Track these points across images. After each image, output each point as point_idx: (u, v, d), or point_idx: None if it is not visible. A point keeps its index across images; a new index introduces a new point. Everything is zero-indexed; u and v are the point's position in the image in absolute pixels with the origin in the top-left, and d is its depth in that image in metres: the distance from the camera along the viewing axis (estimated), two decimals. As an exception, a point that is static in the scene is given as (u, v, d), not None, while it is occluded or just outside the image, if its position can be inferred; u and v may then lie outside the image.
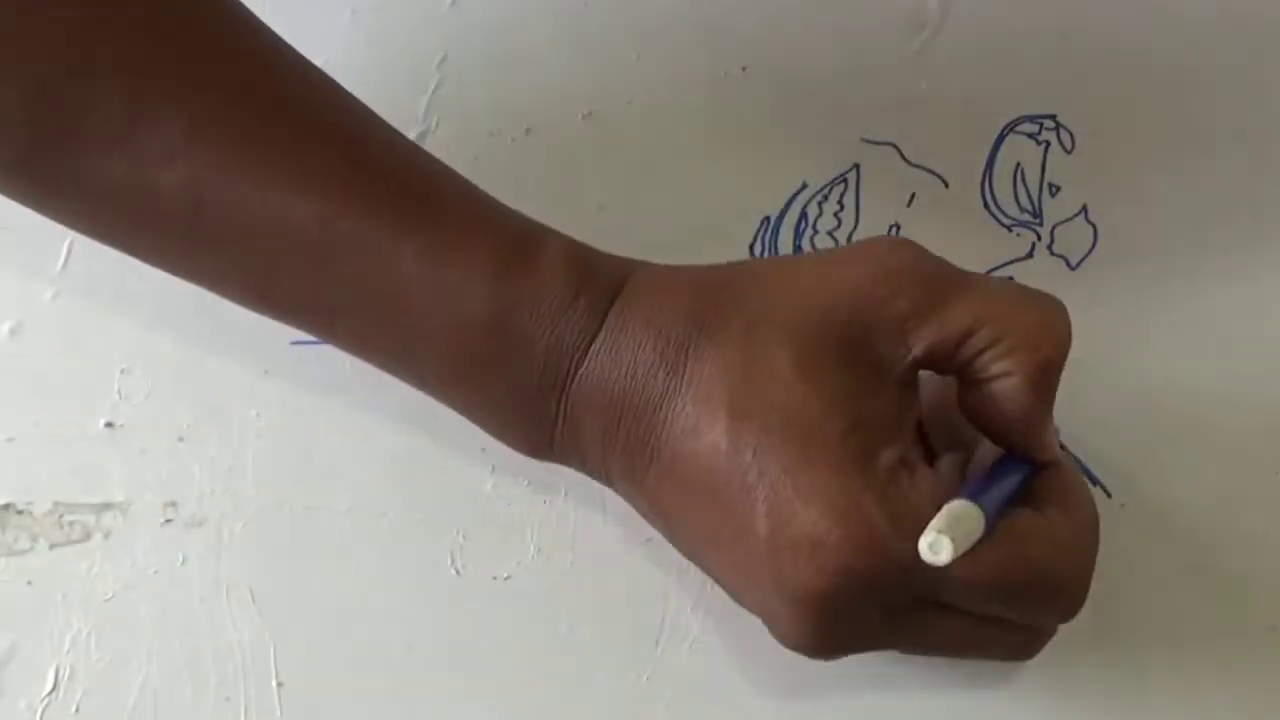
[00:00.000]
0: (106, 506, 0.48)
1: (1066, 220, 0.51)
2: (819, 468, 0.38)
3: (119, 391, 0.49)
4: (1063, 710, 0.46)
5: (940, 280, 0.40)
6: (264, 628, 0.47)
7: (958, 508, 0.37)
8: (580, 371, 0.40)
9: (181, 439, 0.48)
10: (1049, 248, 0.50)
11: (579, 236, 0.50)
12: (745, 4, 0.53)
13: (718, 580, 0.42)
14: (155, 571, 0.47)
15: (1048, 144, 0.51)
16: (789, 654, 0.46)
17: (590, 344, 0.40)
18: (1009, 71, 0.52)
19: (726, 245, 0.50)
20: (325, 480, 0.48)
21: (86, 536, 0.48)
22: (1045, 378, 0.40)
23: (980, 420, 0.41)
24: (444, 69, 0.52)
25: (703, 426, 0.39)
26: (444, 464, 0.48)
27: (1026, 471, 0.42)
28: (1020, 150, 0.51)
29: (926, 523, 0.37)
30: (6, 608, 0.47)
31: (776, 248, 0.50)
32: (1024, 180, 0.51)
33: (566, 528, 0.48)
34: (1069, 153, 0.51)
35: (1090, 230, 0.51)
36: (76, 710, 0.46)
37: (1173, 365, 0.49)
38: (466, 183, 0.42)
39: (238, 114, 0.40)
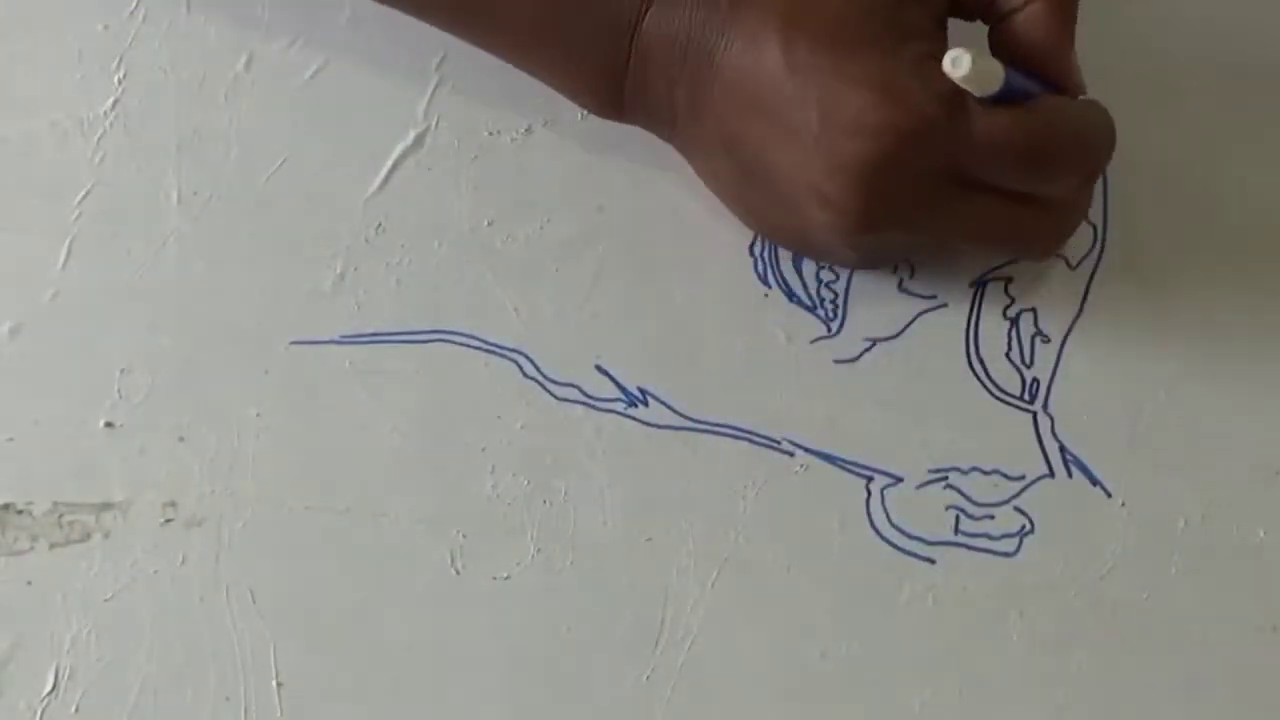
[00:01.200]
0: (106, 506, 0.48)
1: (1066, 220, 0.51)
2: (861, 58, 0.43)
3: (119, 391, 0.49)
4: (1064, 710, 0.46)
5: None
6: (264, 628, 0.47)
7: (981, 54, 0.42)
8: (648, 15, 0.44)
9: (181, 439, 0.49)
10: (1049, 248, 0.50)
11: (578, 236, 0.50)
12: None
13: (772, 189, 0.45)
14: (155, 571, 0.47)
15: (1048, 144, 0.51)
16: (790, 654, 0.47)
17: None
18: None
19: (726, 246, 0.50)
20: (325, 480, 0.48)
21: (86, 536, 0.48)
22: (1062, 2, 0.45)
23: (1011, 58, 0.45)
24: (444, 69, 0.52)
25: (760, 43, 0.43)
26: (444, 464, 0.48)
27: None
28: (1020, 150, 0.51)
29: (953, 89, 0.42)
30: (6, 608, 0.47)
31: (776, 248, 0.50)
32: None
33: (566, 528, 0.48)
34: (1069, 153, 0.51)
35: (1090, 230, 0.51)
36: (76, 710, 0.46)
37: (1172, 364, 0.49)
38: None
39: None
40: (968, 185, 0.44)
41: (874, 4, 0.44)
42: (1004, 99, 0.43)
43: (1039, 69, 0.45)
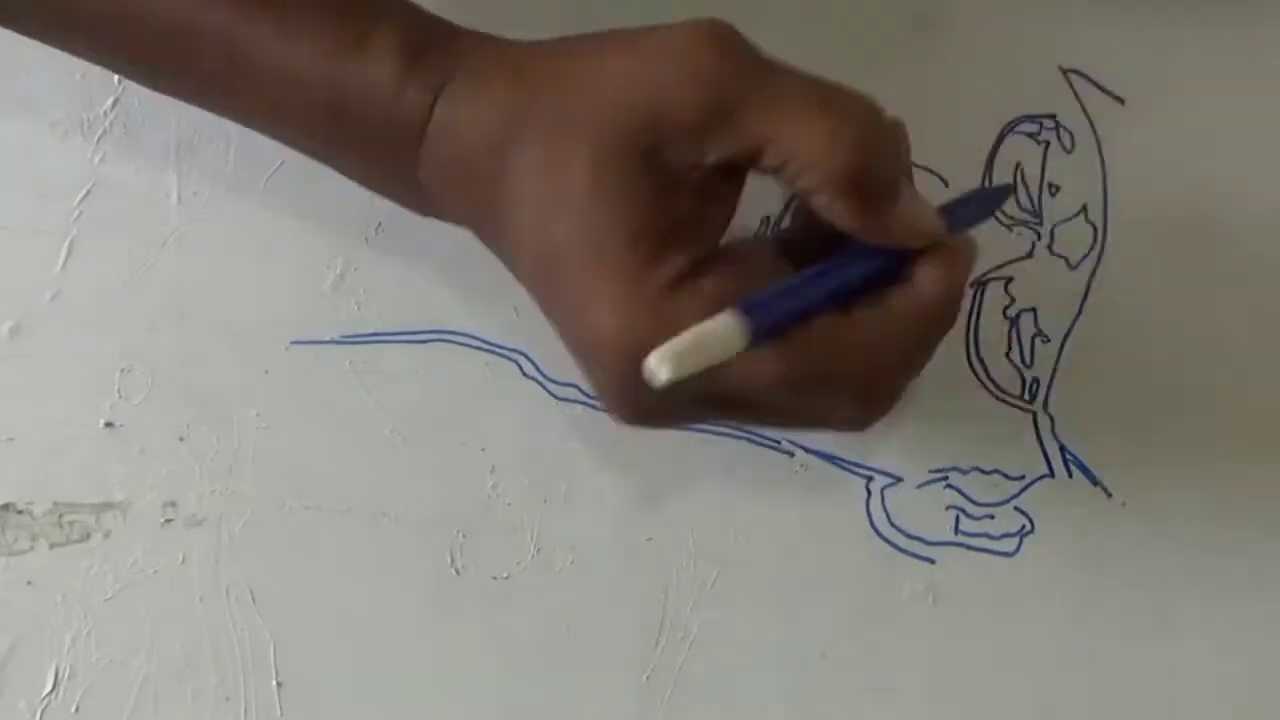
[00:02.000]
0: (106, 506, 0.48)
1: (1066, 220, 0.51)
2: (606, 277, 0.39)
3: (119, 391, 0.49)
4: (1063, 710, 0.46)
5: (736, 88, 0.39)
6: (264, 628, 0.47)
7: (709, 326, 0.38)
8: (423, 150, 0.41)
9: (181, 439, 0.48)
10: (1049, 247, 0.50)
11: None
12: (746, 4, 0.53)
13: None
14: (155, 571, 0.47)
15: (1048, 144, 0.51)
16: (790, 654, 0.47)
17: (425, 130, 0.41)
18: (1009, 71, 0.52)
19: (726, 245, 0.50)
20: (325, 480, 0.48)
21: (86, 536, 0.48)
22: (850, 185, 0.39)
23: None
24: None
25: (524, 225, 0.40)
26: (444, 464, 0.48)
27: (879, 257, 0.40)
28: (1020, 150, 0.51)
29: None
30: (6, 608, 0.47)
31: (776, 248, 0.50)
32: (1024, 180, 0.51)
33: (566, 528, 0.48)
34: (1069, 153, 0.51)
35: (1090, 230, 0.51)
36: (76, 710, 0.46)
37: (1173, 365, 0.49)
38: None
39: None
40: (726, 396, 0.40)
41: (626, 200, 0.39)
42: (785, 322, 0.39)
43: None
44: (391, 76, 0.41)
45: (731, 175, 0.40)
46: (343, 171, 0.45)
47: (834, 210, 0.39)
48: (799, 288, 0.39)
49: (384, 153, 0.42)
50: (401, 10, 0.43)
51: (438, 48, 0.42)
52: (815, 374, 0.39)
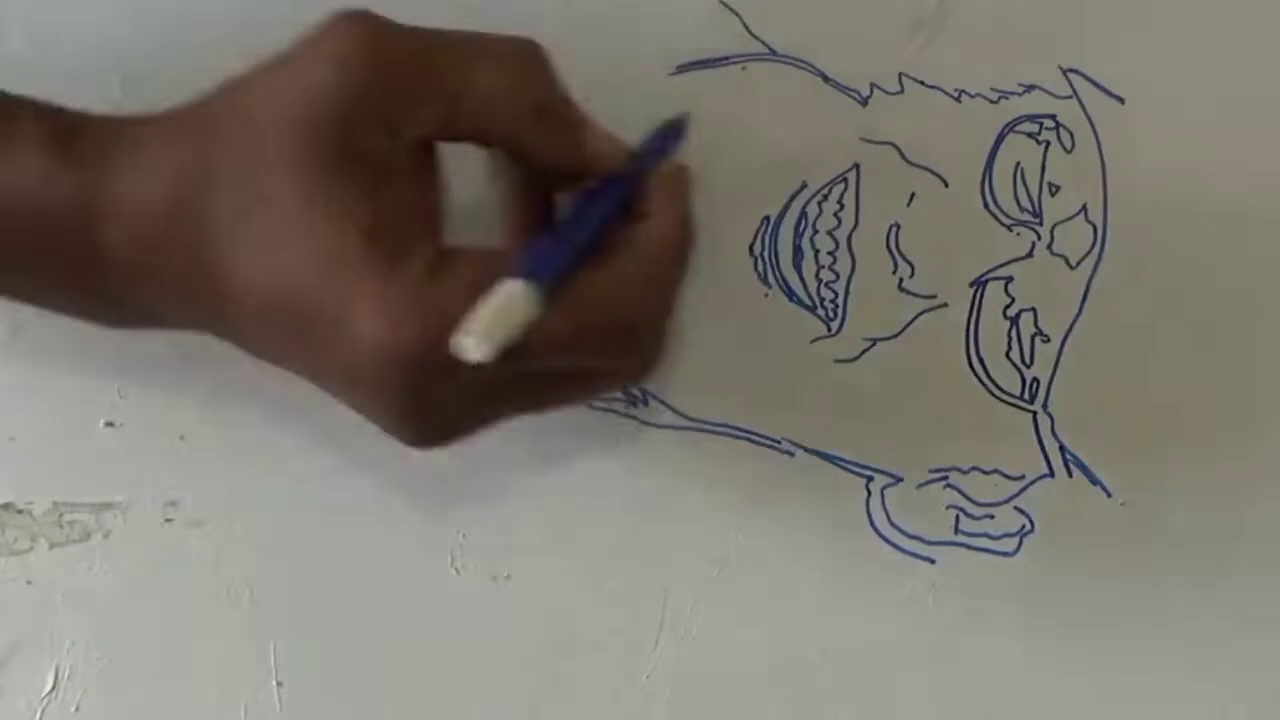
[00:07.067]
0: (106, 506, 0.48)
1: (1066, 220, 0.51)
2: (356, 286, 0.37)
3: (119, 391, 0.49)
4: (1064, 709, 0.46)
5: (405, 59, 0.38)
6: (264, 628, 0.47)
7: (500, 296, 0.36)
8: (99, 232, 0.39)
9: (182, 439, 0.48)
10: (1049, 247, 0.50)
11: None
12: (744, 3, 0.53)
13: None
14: (155, 571, 0.47)
15: (1048, 144, 0.51)
16: (790, 654, 0.47)
17: (93, 209, 0.39)
18: (1009, 71, 0.52)
19: (726, 245, 0.50)
20: (325, 480, 0.48)
21: (86, 536, 0.48)
22: (549, 109, 0.39)
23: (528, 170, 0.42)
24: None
25: (241, 272, 0.38)
26: (444, 464, 0.48)
27: (612, 195, 0.40)
28: (1020, 150, 0.51)
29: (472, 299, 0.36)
30: (6, 608, 0.47)
31: (776, 248, 0.50)
32: (1024, 180, 0.51)
33: (566, 528, 0.48)
34: (1069, 153, 0.51)
35: (1090, 230, 0.51)
36: (76, 710, 0.46)
37: (1173, 365, 0.49)
38: None
39: None
40: (530, 375, 0.39)
41: (344, 206, 0.37)
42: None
43: (564, 173, 0.41)
44: (41, 163, 0.39)
45: (428, 154, 0.39)
46: (28, 296, 0.42)
47: (538, 142, 0.39)
48: (557, 243, 0.38)
49: (55, 250, 0.39)
50: (37, 105, 0.41)
51: (88, 130, 0.40)
52: (601, 324, 0.38)
